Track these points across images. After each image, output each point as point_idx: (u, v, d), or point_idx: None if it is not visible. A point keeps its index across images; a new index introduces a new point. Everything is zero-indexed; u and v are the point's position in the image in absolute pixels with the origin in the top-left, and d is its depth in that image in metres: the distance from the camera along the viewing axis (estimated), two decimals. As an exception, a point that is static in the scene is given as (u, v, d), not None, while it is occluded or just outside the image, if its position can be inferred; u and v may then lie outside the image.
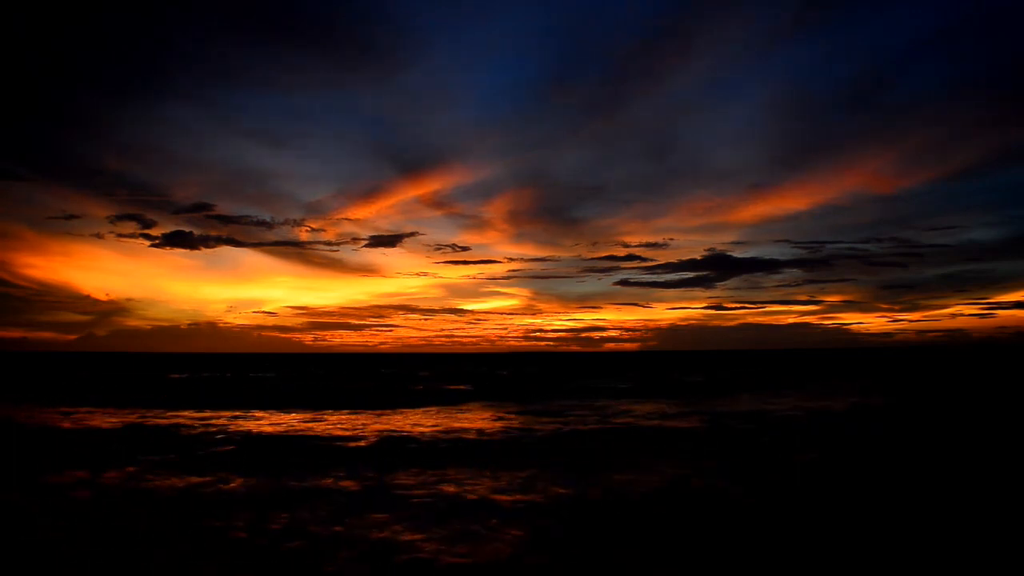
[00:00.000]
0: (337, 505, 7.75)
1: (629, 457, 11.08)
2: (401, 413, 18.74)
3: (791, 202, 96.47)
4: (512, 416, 17.92)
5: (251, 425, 15.65)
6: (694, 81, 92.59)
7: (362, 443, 12.54)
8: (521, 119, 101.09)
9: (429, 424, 15.66)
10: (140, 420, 16.43)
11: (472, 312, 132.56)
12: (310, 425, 15.58)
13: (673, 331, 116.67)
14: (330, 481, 9.13)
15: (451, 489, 8.51)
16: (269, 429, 14.89)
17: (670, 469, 9.93)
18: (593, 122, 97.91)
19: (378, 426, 15.26)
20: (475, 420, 16.89)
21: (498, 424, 15.86)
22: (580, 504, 7.79)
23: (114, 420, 16.51)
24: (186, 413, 18.31)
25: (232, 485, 8.89)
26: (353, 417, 17.51)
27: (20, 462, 10.80)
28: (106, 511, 7.52)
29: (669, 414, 18.09)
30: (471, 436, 13.56)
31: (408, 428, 14.74)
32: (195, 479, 9.28)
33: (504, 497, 8.01)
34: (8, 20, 64.64)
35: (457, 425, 15.51)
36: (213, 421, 16.41)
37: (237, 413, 18.60)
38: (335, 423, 16.03)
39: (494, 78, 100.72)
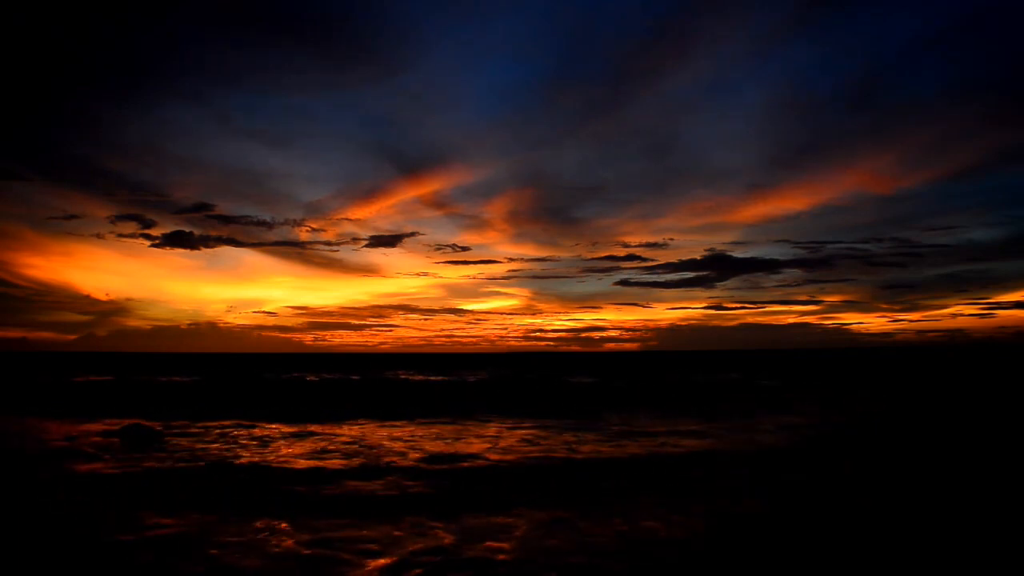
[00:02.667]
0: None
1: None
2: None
3: (791, 202, 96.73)
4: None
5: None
6: (694, 81, 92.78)
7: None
8: (521, 119, 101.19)
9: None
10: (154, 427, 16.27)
11: (472, 312, 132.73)
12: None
13: (673, 331, 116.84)
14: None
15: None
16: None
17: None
18: (593, 122, 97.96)
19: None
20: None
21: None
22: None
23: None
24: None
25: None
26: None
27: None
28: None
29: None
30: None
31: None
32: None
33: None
34: (8, 20, 64.13)
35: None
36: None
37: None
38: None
39: (494, 78, 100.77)
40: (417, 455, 13.22)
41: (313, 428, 17.72)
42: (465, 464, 12.14)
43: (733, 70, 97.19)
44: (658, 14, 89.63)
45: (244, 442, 15.25)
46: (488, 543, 7.25)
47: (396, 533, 7.67)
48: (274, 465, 12.15)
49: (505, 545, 7.19)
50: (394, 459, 12.62)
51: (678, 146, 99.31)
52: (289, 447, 14.52)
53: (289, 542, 7.34)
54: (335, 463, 12.17)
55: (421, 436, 16.35)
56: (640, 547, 7.23)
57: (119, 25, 76.05)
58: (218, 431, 17.04)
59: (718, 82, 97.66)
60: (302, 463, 12.42)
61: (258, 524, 8.00)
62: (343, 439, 15.73)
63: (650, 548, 7.19)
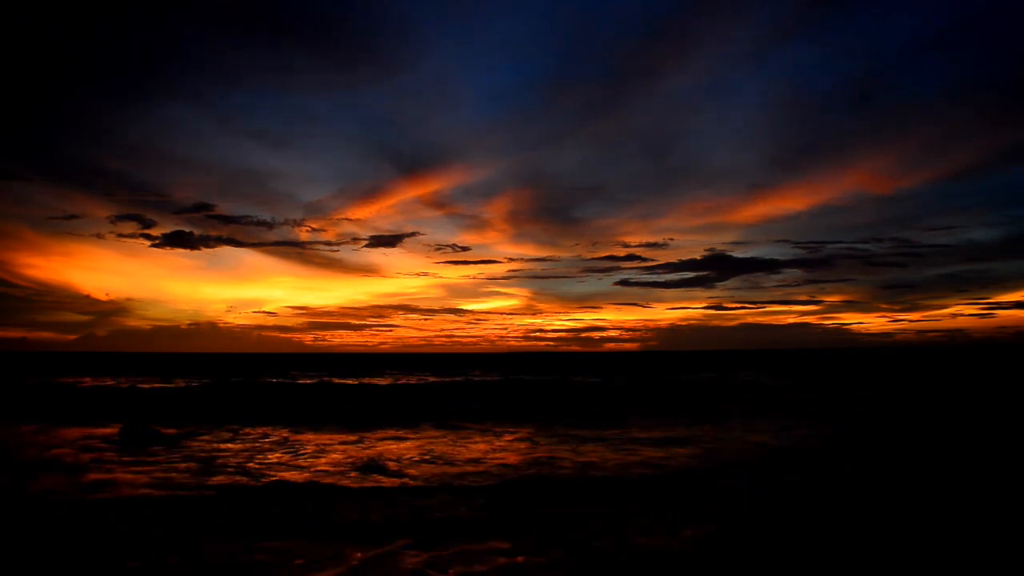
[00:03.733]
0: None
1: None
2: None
3: (791, 202, 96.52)
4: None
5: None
6: (694, 81, 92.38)
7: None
8: (521, 119, 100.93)
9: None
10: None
11: (472, 312, 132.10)
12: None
13: (673, 331, 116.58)
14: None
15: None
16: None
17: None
18: (593, 122, 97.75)
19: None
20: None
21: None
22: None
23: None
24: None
25: None
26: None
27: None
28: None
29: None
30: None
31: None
32: None
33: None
34: (8, 20, 64.31)
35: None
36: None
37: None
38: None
39: (494, 78, 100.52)
40: (428, 464, 13.42)
41: (316, 432, 17.90)
42: (469, 481, 11.66)
43: (733, 70, 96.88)
44: (658, 14, 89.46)
45: (253, 447, 15.43)
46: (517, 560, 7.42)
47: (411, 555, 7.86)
48: (296, 480, 12.31)
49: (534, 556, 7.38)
50: (408, 470, 12.62)
51: (678, 146, 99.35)
52: (299, 453, 14.72)
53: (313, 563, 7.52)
54: (345, 480, 12.27)
55: (426, 443, 16.54)
56: (643, 551, 7.44)
57: (119, 25, 76.02)
58: (227, 435, 17.16)
59: (718, 82, 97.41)
60: (310, 474, 12.62)
61: (278, 544, 8.18)
62: (350, 445, 15.92)
63: (654, 550, 7.39)
